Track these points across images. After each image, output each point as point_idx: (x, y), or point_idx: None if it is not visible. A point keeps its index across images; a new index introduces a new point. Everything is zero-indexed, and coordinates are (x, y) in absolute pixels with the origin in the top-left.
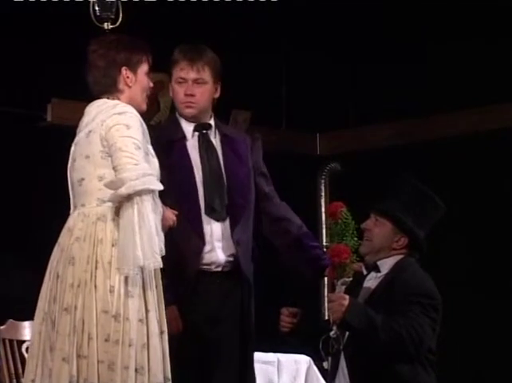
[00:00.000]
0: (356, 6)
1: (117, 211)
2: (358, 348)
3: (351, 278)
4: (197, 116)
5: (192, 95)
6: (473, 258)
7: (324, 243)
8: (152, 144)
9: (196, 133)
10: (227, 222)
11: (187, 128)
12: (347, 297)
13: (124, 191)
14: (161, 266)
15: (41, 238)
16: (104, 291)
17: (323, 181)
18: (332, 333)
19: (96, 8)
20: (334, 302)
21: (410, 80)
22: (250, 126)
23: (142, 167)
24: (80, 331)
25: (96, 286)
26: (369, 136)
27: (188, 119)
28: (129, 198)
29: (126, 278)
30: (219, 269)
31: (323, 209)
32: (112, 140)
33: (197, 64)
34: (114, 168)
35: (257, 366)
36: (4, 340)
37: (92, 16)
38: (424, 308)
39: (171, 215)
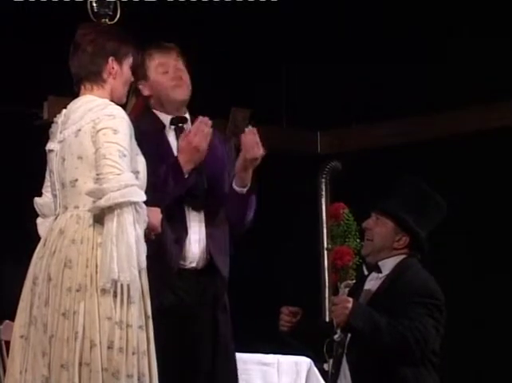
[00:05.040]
0: (356, 5)
1: None
2: (361, 351)
3: (354, 281)
4: (186, 100)
5: (180, 76)
6: (475, 258)
7: (325, 244)
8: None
9: (172, 127)
10: (202, 214)
11: (164, 120)
12: (350, 299)
13: (103, 203)
14: (136, 280)
15: (37, 237)
16: (106, 297)
17: (324, 180)
18: (336, 336)
19: (94, 5)
20: (338, 305)
21: (412, 78)
22: (249, 124)
23: (124, 178)
24: (81, 337)
25: (97, 291)
26: (371, 135)
27: (175, 107)
28: (110, 209)
29: (128, 284)
30: (194, 265)
31: (324, 208)
32: (98, 145)
33: (173, 50)
34: (97, 176)
35: (257, 368)
36: (0, 341)
37: (90, 12)
38: (428, 309)
39: (158, 218)
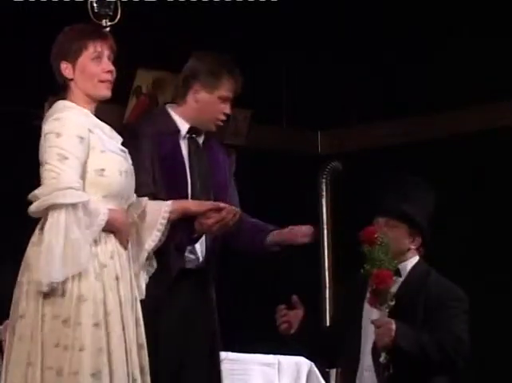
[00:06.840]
0: (356, 5)
1: None
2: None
3: (394, 302)
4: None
5: (229, 115)
6: (475, 258)
7: (326, 244)
8: (146, 136)
9: (187, 135)
10: None
11: (181, 126)
12: (393, 321)
13: (32, 208)
14: (58, 281)
15: None
16: (54, 295)
17: (324, 180)
18: (381, 358)
19: (94, 5)
20: (381, 327)
21: (412, 78)
22: (250, 124)
23: (62, 180)
24: (29, 338)
25: (41, 293)
26: (371, 135)
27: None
28: (45, 212)
29: (80, 283)
30: (193, 266)
31: (324, 208)
32: (42, 150)
33: (239, 84)
34: None
35: (257, 368)
36: (0, 341)
37: (90, 13)
38: (463, 315)
39: (117, 218)
